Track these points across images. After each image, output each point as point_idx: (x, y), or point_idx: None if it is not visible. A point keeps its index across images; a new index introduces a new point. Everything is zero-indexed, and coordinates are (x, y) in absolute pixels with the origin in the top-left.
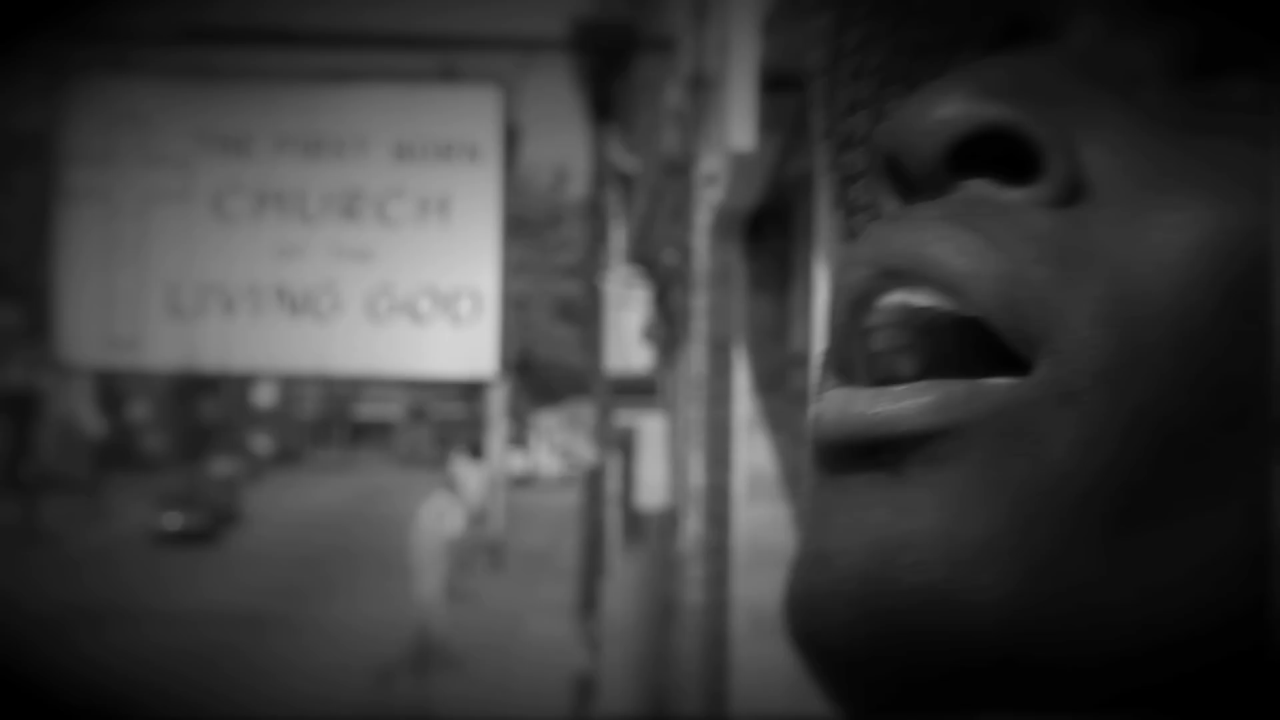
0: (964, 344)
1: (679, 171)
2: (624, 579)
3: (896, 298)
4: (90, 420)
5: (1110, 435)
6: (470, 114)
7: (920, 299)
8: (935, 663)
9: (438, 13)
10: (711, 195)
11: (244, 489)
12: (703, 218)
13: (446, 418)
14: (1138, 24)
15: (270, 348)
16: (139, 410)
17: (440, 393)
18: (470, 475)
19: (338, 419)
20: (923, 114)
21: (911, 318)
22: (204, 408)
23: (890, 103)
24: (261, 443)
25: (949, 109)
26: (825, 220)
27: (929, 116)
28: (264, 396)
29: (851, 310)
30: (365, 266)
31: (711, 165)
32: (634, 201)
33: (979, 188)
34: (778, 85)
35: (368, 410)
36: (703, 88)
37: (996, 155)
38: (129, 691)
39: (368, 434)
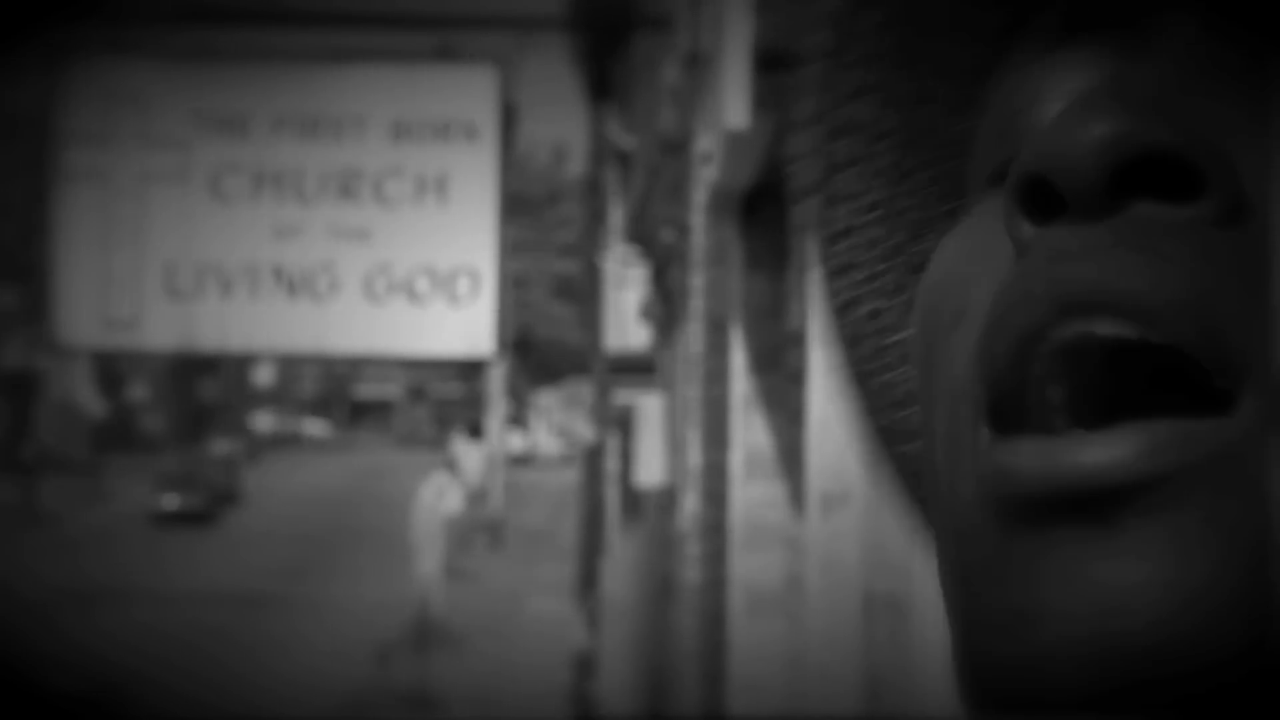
0: (1145, 377)
1: (676, 150)
2: (622, 557)
3: (1074, 329)
4: (89, 401)
5: None
6: (467, 93)
7: (1105, 329)
8: (1176, 716)
9: None
10: (708, 174)
11: (243, 469)
12: (699, 196)
13: (445, 397)
14: (1227, 21)
15: (268, 328)
16: (138, 391)
17: (439, 372)
18: (469, 454)
19: (337, 398)
20: (1083, 133)
21: (1088, 352)
22: (203, 388)
23: (899, 90)
24: (265, 420)
25: (1112, 128)
26: (801, 207)
27: (1091, 136)
28: (263, 376)
29: (1021, 347)
30: (363, 246)
31: (707, 144)
32: (632, 180)
33: (1143, 209)
34: (772, 64)
35: (367, 390)
36: (699, 66)
37: (1152, 174)
38: (127, 673)
39: (367, 413)
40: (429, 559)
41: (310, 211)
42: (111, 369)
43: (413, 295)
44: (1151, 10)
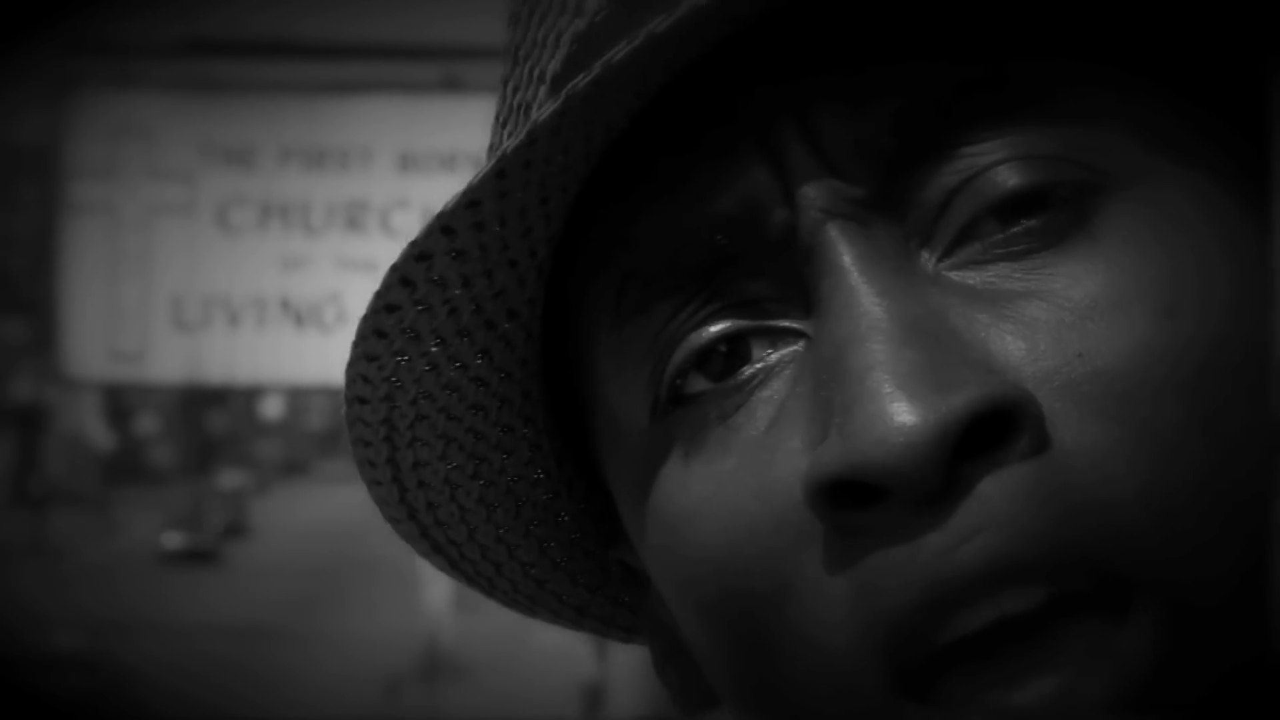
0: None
1: None
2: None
3: (985, 617)
4: (98, 433)
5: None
6: (475, 125)
7: (1019, 603)
8: None
9: (441, 23)
10: None
11: (251, 501)
12: None
13: None
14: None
15: (276, 359)
16: (147, 423)
17: None
18: None
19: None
20: (910, 428)
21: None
22: (211, 420)
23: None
24: (273, 452)
25: (936, 414)
26: None
27: (920, 431)
28: (271, 408)
29: (921, 643)
30: (370, 278)
31: None
32: None
33: (969, 470)
34: None
35: None
36: None
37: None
38: (133, 706)
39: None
40: (438, 590)
41: (317, 243)
42: (120, 401)
43: None
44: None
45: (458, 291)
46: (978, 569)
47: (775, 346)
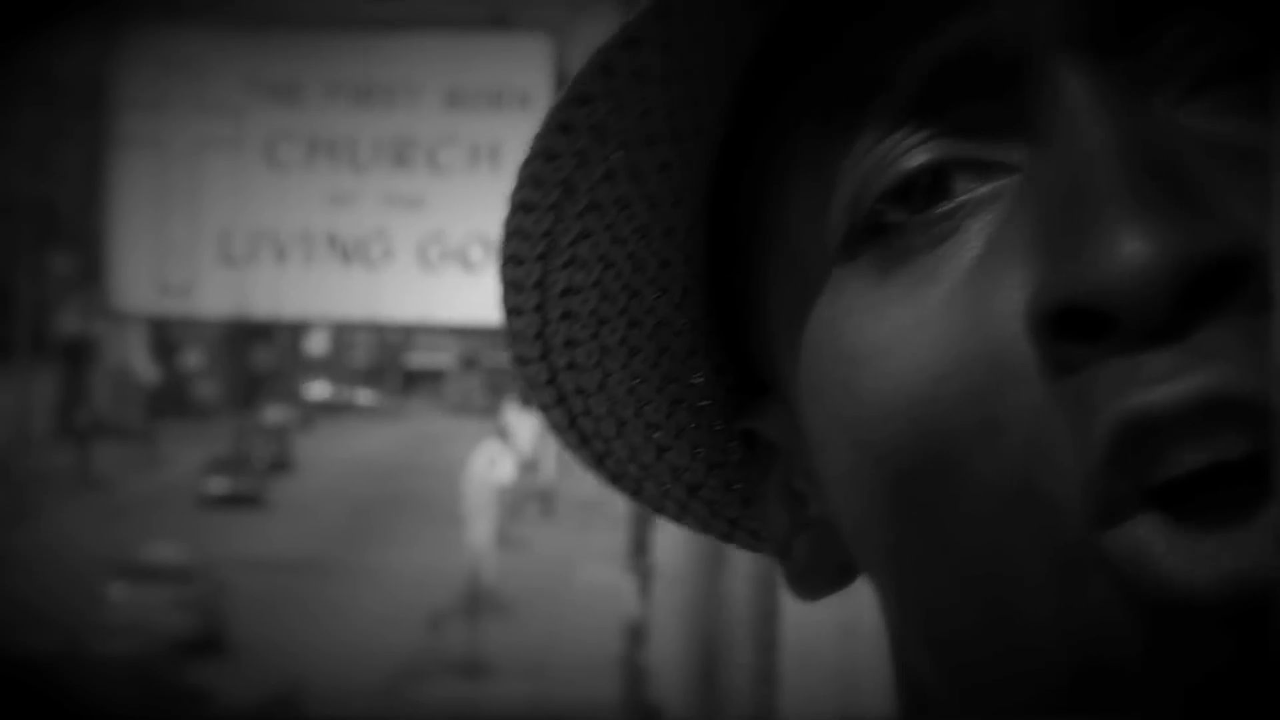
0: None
1: None
2: (675, 526)
3: (1200, 457)
4: (144, 367)
5: None
6: (522, 62)
7: (1236, 447)
8: None
9: None
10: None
11: (295, 437)
12: None
13: (498, 366)
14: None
15: (322, 295)
16: (192, 358)
17: (492, 341)
18: (522, 423)
19: (390, 367)
20: (1142, 258)
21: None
22: (257, 355)
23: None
24: (318, 388)
25: (1173, 248)
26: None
27: (1153, 262)
28: (316, 344)
29: (1140, 478)
30: (416, 214)
31: None
32: None
33: (1197, 314)
34: None
35: (419, 359)
36: None
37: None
38: (174, 641)
39: (419, 382)
40: (481, 527)
41: (364, 179)
42: (166, 336)
43: (466, 263)
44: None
45: (655, 89)
46: (1200, 402)
47: (984, 179)
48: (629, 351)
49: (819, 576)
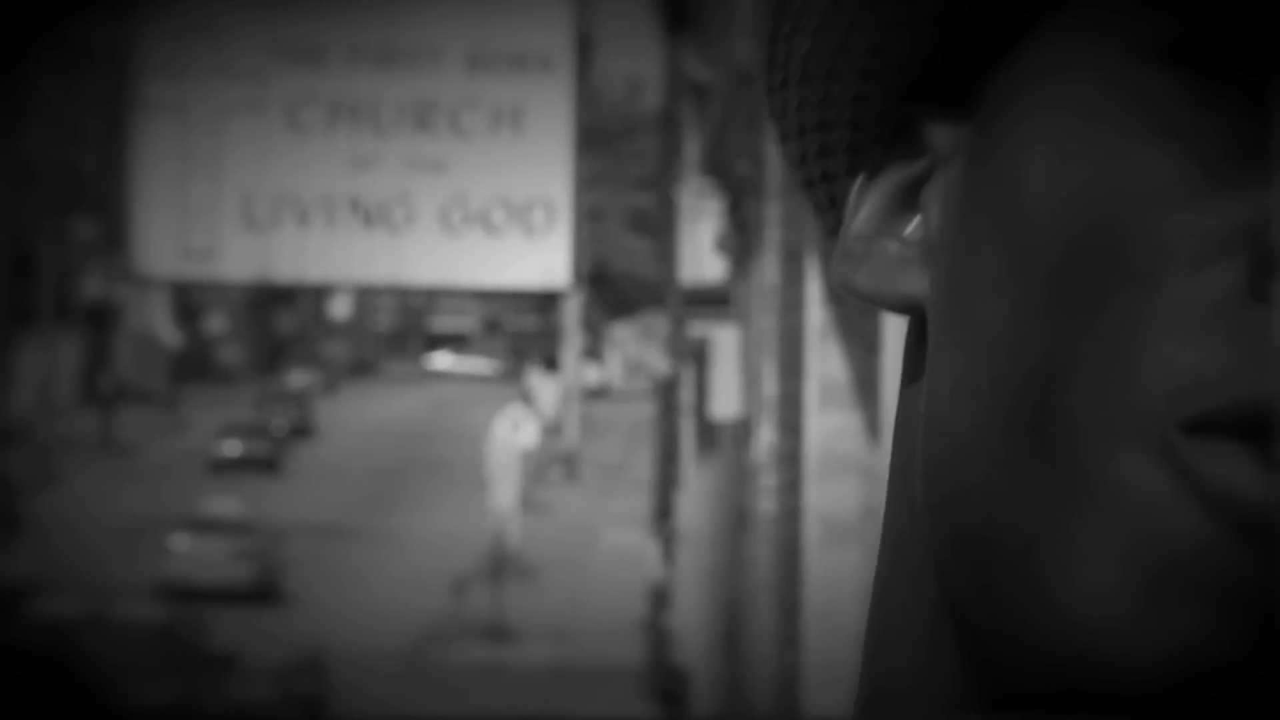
0: None
1: (752, 80)
2: (697, 489)
3: None
4: (167, 332)
5: None
6: (543, 24)
7: None
8: None
9: None
10: None
11: (317, 402)
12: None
13: (521, 330)
14: None
15: (344, 259)
16: (215, 322)
17: (515, 305)
18: (545, 387)
19: (413, 331)
20: None
21: None
22: (280, 320)
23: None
24: (341, 352)
25: None
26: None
27: None
28: (339, 309)
29: None
30: (439, 177)
31: None
32: (708, 112)
33: None
34: None
35: (442, 323)
36: None
37: None
38: (202, 602)
39: (443, 346)
40: (504, 491)
41: (386, 143)
42: (189, 301)
43: (488, 226)
44: None
45: None
46: None
47: None
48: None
49: (876, 284)
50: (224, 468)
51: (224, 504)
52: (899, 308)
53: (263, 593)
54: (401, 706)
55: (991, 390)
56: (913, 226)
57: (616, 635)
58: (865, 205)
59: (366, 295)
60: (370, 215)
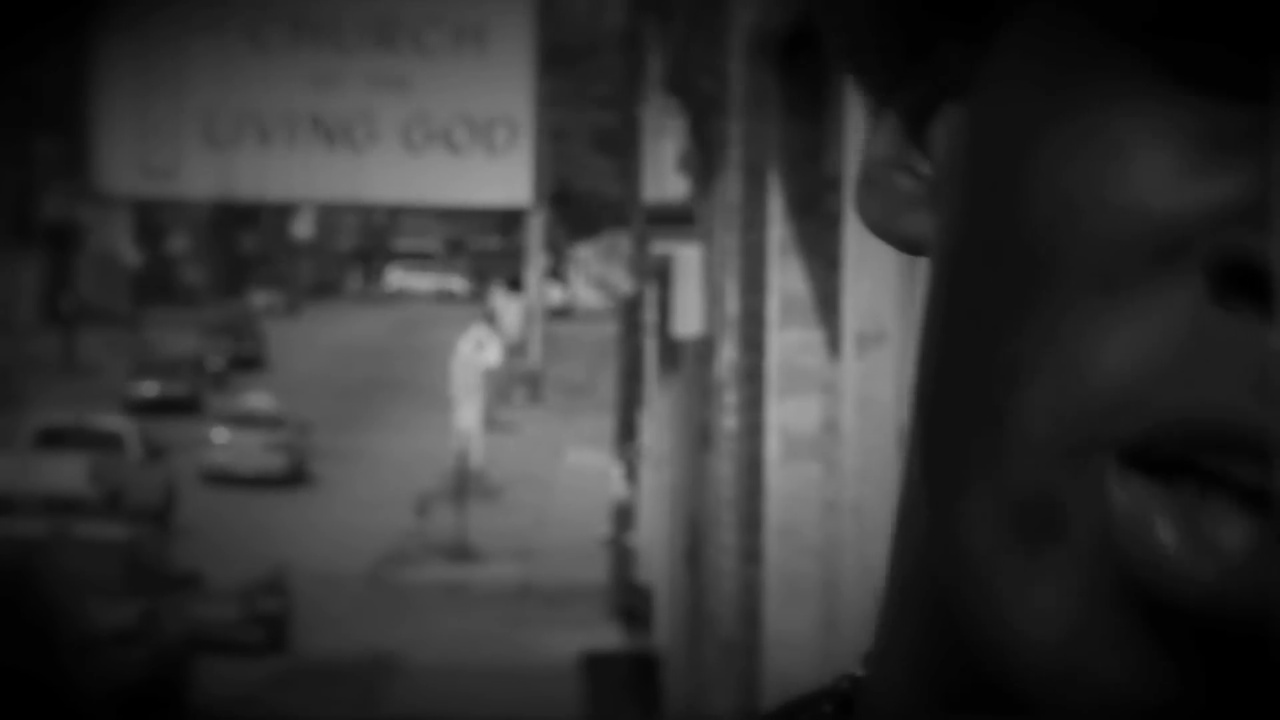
0: None
1: None
2: (661, 408)
3: None
4: (129, 252)
5: None
6: None
7: None
8: None
9: None
10: (746, 18)
11: (281, 321)
12: (738, 42)
13: (484, 250)
14: None
15: (306, 177)
16: (178, 243)
17: (478, 225)
18: (508, 307)
19: (376, 251)
20: None
21: None
22: (242, 240)
23: None
24: (305, 272)
25: None
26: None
27: None
28: (302, 228)
29: None
30: (401, 95)
31: None
32: (670, 29)
33: None
34: None
35: (405, 243)
36: None
37: None
38: (165, 524)
39: (406, 266)
40: (468, 411)
41: (348, 60)
42: (151, 221)
43: (451, 145)
44: None
45: None
46: None
47: None
48: None
49: (885, 216)
50: (140, 409)
51: (259, 399)
52: (907, 248)
53: (293, 478)
54: (365, 626)
55: (958, 380)
56: (927, 161)
57: (580, 554)
58: (885, 128)
59: (329, 215)
60: (332, 133)
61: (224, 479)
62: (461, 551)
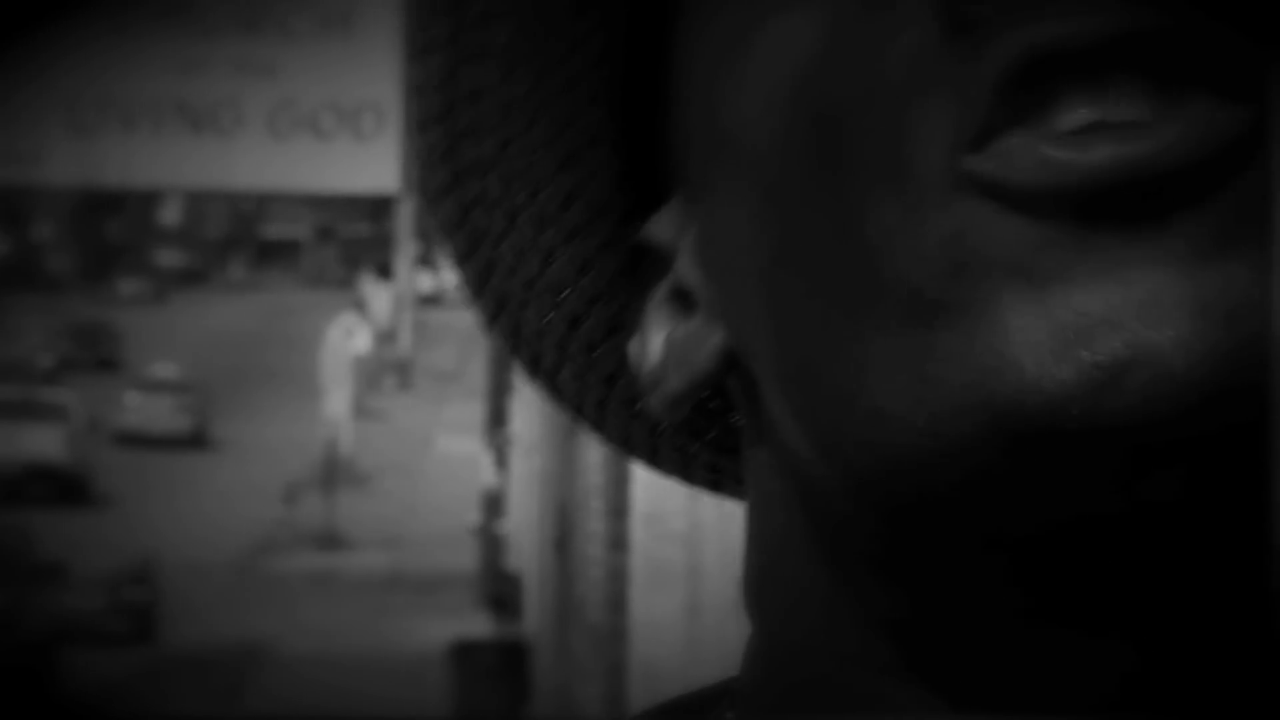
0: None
1: None
2: (531, 395)
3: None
4: None
5: None
6: None
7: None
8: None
9: None
10: None
11: (149, 309)
12: None
13: (354, 237)
14: None
15: (172, 164)
16: (43, 229)
17: (347, 212)
18: (378, 295)
19: (245, 237)
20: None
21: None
22: (109, 226)
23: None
24: (172, 258)
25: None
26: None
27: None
28: (169, 215)
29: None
30: (267, 81)
31: None
32: None
33: None
34: None
35: (274, 230)
36: None
37: None
38: (27, 517)
39: (275, 253)
40: (337, 399)
41: (214, 46)
42: (15, 207)
43: (318, 131)
44: None
45: None
46: (1109, 38)
47: None
48: (534, 107)
49: (688, 370)
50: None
51: (166, 368)
52: (721, 365)
53: (197, 439)
54: (233, 615)
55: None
56: (682, 322)
57: (449, 542)
58: (642, 338)
59: (197, 202)
60: (198, 119)
61: (134, 439)
62: (330, 540)
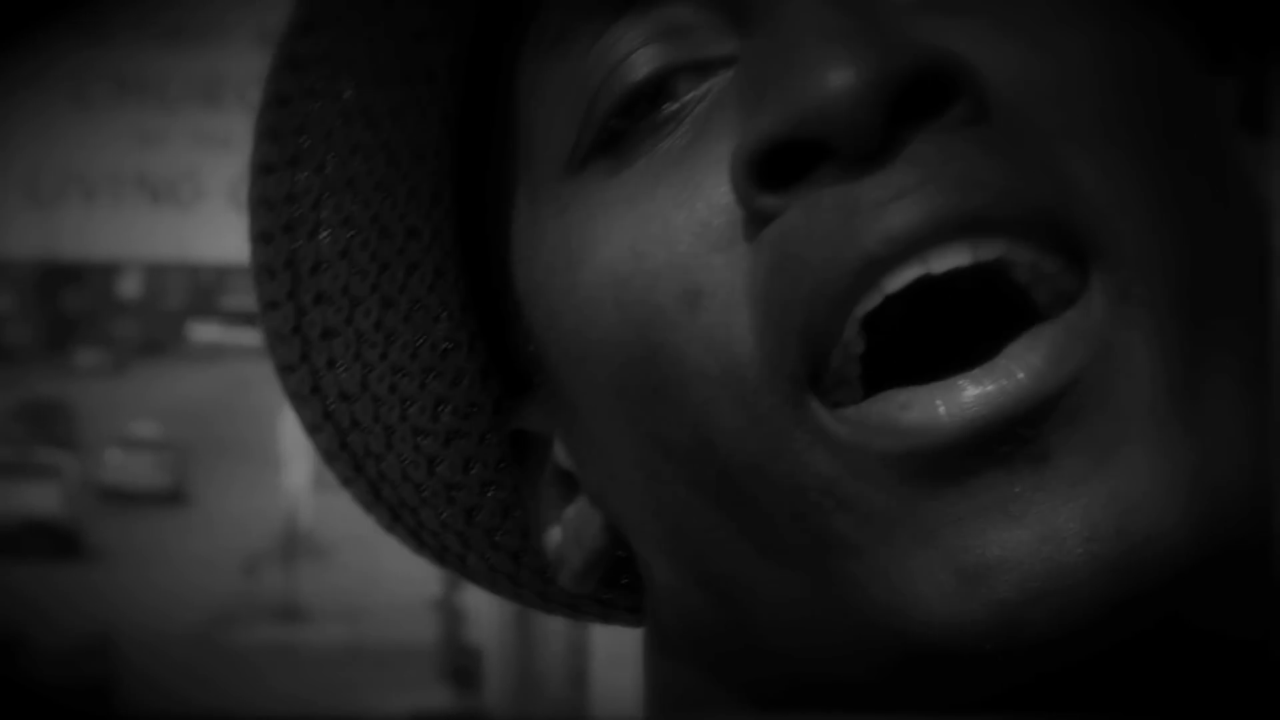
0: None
1: None
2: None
3: (910, 273)
4: None
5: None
6: None
7: (945, 261)
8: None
9: None
10: None
11: (105, 382)
12: None
13: None
14: None
15: (132, 236)
16: (1, 300)
17: None
18: None
19: (205, 308)
20: (848, 79)
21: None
22: (68, 298)
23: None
24: (132, 330)
25: (876, 67)
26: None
27: (860, 80)
28: (129, 287)
29: (839, 310)
30: (227, 153)
31: None
32: None
33: (907, 133)
34: None
35: (235, 300)
36: None
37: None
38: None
39: (235, 324)
40: (297, 470)
41: (174, 119)
42: None
43: None
44: None
45: (377, 14)
46: (910, 225)
47: (706, 77)
48: (385, 337)
49: (583, 550)
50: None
51: (147, 427)
52: (610, 541)
53: (174, 496)
54: (193, 688)
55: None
56: (573, 501)
57: (410, 614)
58: (538, 521)
59: (157, 274)
60: (158, 192)
61: (114, 495)
62: (290, 612)
